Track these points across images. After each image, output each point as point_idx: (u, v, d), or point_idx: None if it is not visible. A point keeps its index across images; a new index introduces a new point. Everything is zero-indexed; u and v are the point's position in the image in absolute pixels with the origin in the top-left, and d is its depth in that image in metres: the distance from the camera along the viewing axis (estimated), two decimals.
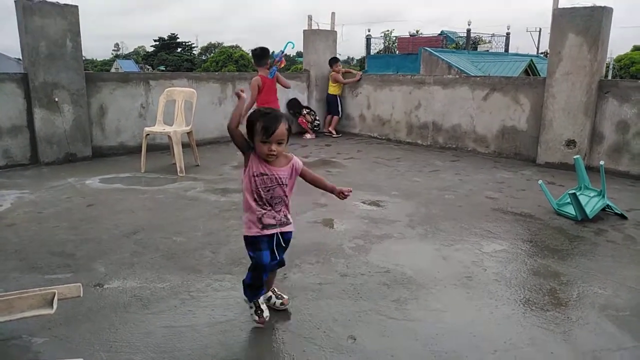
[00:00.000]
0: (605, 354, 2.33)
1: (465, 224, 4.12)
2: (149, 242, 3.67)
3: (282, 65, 5.91)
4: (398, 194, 5.07)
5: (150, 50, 67.46)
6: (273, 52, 5.92)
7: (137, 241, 3.68)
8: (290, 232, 2.57)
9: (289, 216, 2.55)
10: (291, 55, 56.82)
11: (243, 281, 2.61)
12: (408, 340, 2.42)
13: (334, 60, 9.19)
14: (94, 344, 2.36)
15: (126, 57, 73.48)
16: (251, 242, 2.50)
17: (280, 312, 2.67)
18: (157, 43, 64.22)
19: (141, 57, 69.97)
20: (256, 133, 2.32)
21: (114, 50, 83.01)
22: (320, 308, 2.73)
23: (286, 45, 5.88)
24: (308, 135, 8.92)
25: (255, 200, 2.43)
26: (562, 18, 6.15)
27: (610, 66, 36.65)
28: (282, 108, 8.36)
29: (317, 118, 9.23)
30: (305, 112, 9.05)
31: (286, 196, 2.49)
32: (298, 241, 3.69)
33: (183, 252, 3.48)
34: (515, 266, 3.30)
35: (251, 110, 2.45)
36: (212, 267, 3.24)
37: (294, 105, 9.16)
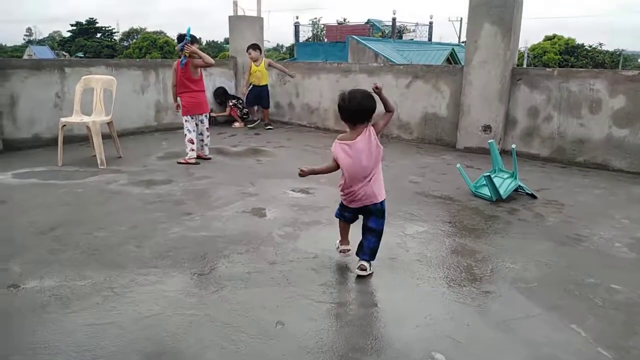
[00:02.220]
0: (515, 322, 2.52)
1: (390, 208, 4.22)
2: (68, 238, 3.51)
3: (189, 52, 5.75)
4: (326, 181, 5.13)
5: (67, 36, 63.46)
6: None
7: (55, 238, 3.51)
8: None
9: None
10: (209, 40, 55.46)
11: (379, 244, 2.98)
12: (336, 323, 2.49)
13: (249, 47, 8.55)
14: (9, 348, 2.24)
15: (40, 42, 68.73)
16: None
17: (210, 304, 2.66)
18: (75, 28, 60.52)
19: (57, 43, 65.74)
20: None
21: (25, 35, 77.51)
22: (249, 296, 2.74)
23: (188, 31, 5.74)
24: (237, 124, 8.81)
25: None
26: (478, 8, 6.45)
27: (525, 55, 38.92)
28: (209, 97, 8.19)
29: (245, 107, 9.12)
30: (232, 102, 8.90)
31: None
32: (227, 231, 3.70)
33: (105, 247, 3.37)
34: (435, 246, 3.48)
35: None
36: (136, 261, 3.15)
37: (221, 94, 9.00)
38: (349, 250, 3.19)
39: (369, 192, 2.86)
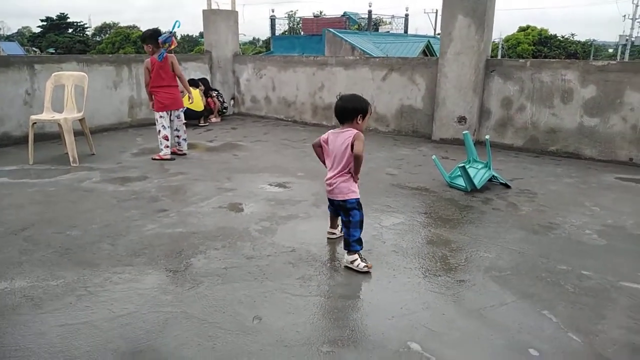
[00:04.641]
0: (489, 310, 2.57)
1: (367, 200, 4.26)
2: (39, 238, 3.44)
3: (173, 47, 5.66)
4: (304, 174, 5.14)
5: (36, 32, 61.79)
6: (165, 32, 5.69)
7: (26, 238, 3.44)
8: None
9: None
10: (184, 35, 54.65)
11: (358, 239, 3.00)
12: (313, 315, 2.50)
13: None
14: None
15: (9, 38, 66.79)
16: (360, 203, 3.07)
17: (186, 301, 2.64)
18: (45, 23, 58.96)
19: (27, 38, 63.97)
20: (369, 112, 3.11)
21: None
22: (225, 292, 2.73)
23: (174, 25, 5.65)
24: (214, 119, 8.73)
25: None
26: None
27: (499, 46, 39.38)
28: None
29: (225, 100, 9.07)
30: (214, 94, 8.81)
31: None
32: (203, 227, 3.67)
33: (78, 246, 3.31)
34: (411, 237, 3.51)
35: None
36: (110, 260, 3.11)
37: (204, 85, 8.87)
38: (333, 234, 3.45)
39: (334, 187, 3.08)
